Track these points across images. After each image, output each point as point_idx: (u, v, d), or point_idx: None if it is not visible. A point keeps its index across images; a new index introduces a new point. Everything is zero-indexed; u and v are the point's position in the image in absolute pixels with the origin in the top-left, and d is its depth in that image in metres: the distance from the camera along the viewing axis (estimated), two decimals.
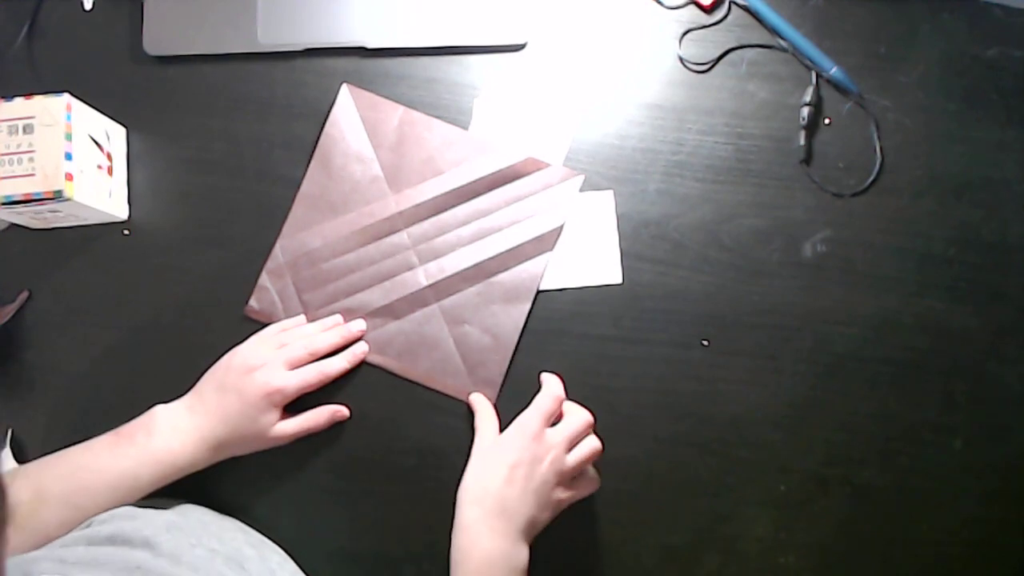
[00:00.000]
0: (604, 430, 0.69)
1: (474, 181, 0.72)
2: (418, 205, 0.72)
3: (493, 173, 0.72)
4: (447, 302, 0.70)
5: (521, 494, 0.61)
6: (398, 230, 0.71)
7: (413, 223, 0.71)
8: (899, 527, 0.69)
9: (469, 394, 0.69)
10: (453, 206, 0.72)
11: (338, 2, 0.75)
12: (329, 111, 0.73)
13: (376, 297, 0.71)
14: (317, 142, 0.73)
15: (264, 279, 0.71)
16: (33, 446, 0.71)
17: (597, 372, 0.70)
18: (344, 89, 0.73)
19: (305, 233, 0.72)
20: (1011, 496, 0.69)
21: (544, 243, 0.71)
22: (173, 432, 0.63)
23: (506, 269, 0.71)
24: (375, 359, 0.70)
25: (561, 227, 0.71)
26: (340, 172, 0.72)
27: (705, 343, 0.70)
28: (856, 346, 0.70)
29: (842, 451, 0.69)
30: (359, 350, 0.70)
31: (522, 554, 0.61)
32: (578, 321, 0.71)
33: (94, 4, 0.76)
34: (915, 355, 0.70)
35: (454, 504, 0.68)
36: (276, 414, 0.65)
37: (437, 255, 0.71)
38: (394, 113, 0.73)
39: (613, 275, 0.71)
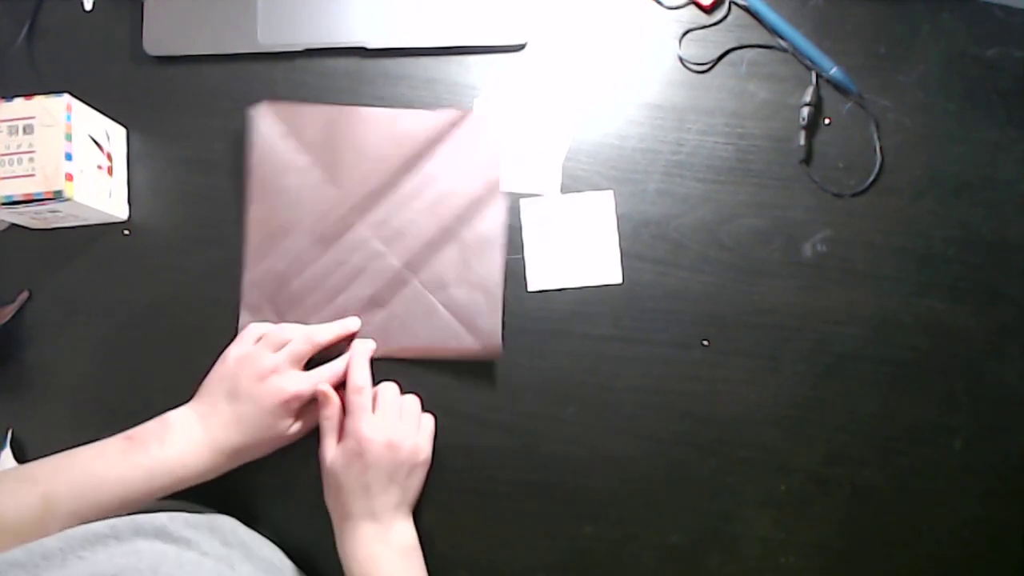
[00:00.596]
0: (604, 430, 0.70)
1: (412, 154, 0.72)
2: (367, 194, 0.71)
3: (428, 139, 0.72)
4: (423, 274, 0.71)
5: (353, 492, 0.63)
6: (355, 223, 0.71)
7: (367, 212, 0.71)
8: (899, 527, 0.69)
9: (471, 350, 0.69)
10: (400, 182, 0.72)
11: (338, 2, 0.75)
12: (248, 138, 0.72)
13: (357, 293, 0.71)
14: (246, 172, 0.72)
15: (244, 317, 0.71)
16: (33, 446, 0.71)
17: (597, 372, 0.70)
18: (259, 108, 0.72)
19: (268, 260, 0.71)
20: (1011, 496, 0.69)
21: (493, 185, 0.71)
22: (187, 442, 0.62)
23: (467, 223, 0.71)
24: (378, 352, 0.70)
25: (498, 147, 0.72)
26: (280, 189, 0.71)
27: (705, 343, 0.70)
28: (856, 346, 0.70)
29: (842, 451, 0.69)
30: (366, 348, 0.69)
31: (396, 536, 0.63)
32: (578, 321, 0.71)
33: (94, 4, 0.76)
34: (915, 355, 0.70)
35: (449, 504, 0.68)
36: (292, 418, 0.65)
37: (400, 234, 0.71)
38: (318, 114, 0.72)
39: (613, 275, 0.71)
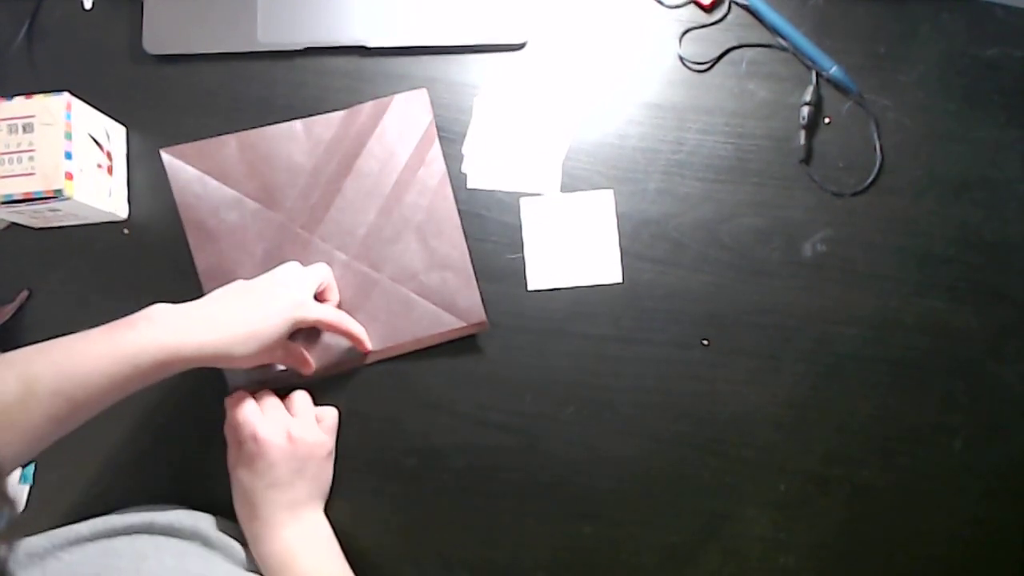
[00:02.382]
0: (604, 430, 0.70)
1: (343, 155, 0.72)
2: (311, 207, 0.71)
3: (355, 137, 0.72)
4: (390, 269, 0.71)
5: (261, 492, 0.63)
6: (309, 239, 0.71)
7: (317, 224, 0.71)
8: (899, 527, 0.69)
9: (458, 329, 0.70)
10: (340, 187, 0.71)
11: (338, 2, 0.75)
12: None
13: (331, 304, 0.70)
14: (182, 223, 0.71)
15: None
16: None
17: (597, 372, 0.70)
18: (166, 157, 0.71)
19: None
20: (1011, 496, 0.69)
21: (432, 165, 0.71)
22: (178, 320, 0.58)
23: (418, 208, 0.71)
24: (371, 358, 0.70)
25: (429, 125, 0.72)
26: (221, 230, 0.71)
27: (705, 343, 0.70)
28: (856, 346, 0.70)
29: (842, 451, 0.69)
30: (367, 345, 0.69)
31: (309, 526, 0.64)
32: (578, 321, 0.71)
33: (94, 4, 0.76)
34: (915, 355, 0.70)
35: (449, 504, 0.68)
36: (289, 328, 0.62)
37: (355, 237, 0.71)
38: (228, 145, 0.72)
39: (613, 275, 0.71)
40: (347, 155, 0.72)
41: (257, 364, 0.62)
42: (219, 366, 0.60)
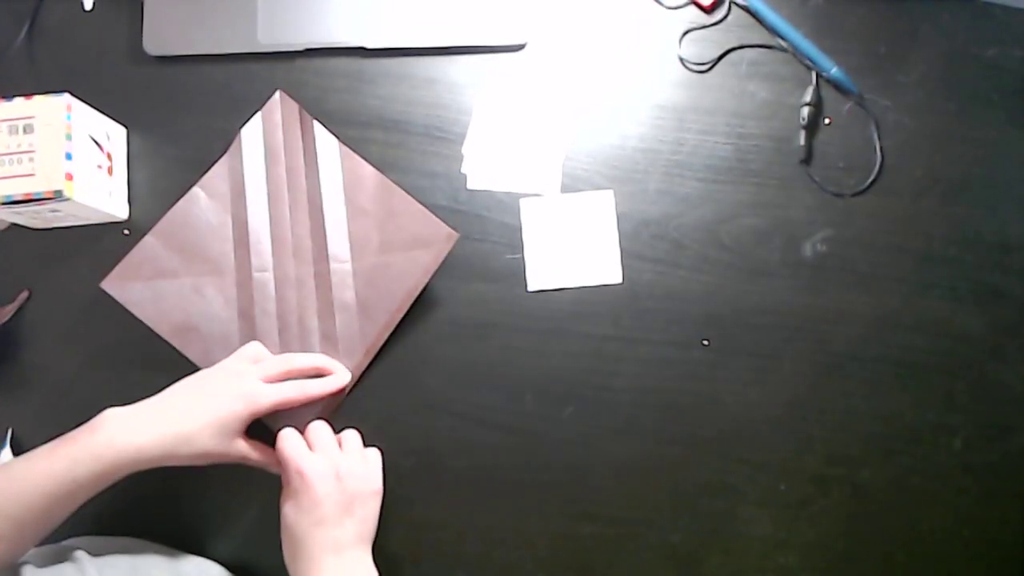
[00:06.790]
0: (604, 430, 0.70)
1: (249, 192, 0.72)
2: (254, 250, 0.71)
3: (248, 168, 0.72)
4: (352, 252, 0.71)
5: (305, 529, 0.60)
6: (270, 277, 0.71)
7: (269, 260, 0.71)
8: (899, 527, 0.69)
9: (436, 255, 0.70)
10: (265, 216, 0.72)
11: (338, 2, 0.75)
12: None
13: (327, 313, 0.70)
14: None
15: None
16: (33, 446, 0.70)
17: (597, 372, 0.70)
18: (109, 288, 0.70)
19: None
20: (1011, 496, 0.69)
21: (326, 144, 0.72)
22: (120, 427, 0.59)
23: (336, 185, 0.72)
24: (385, 334, 0.70)
25: (300, 113, 0.73)
26: (193, 318, 0.70)
27: (705, 343, 0.70)
28: (856, 346, 0.70)
29: (842, 451, 0.69)
30: (342, 380, 0.68)
31: (354, 570, 0.61)
32: (578, 321, 0.71)
33: (94, 4, 0.76)
34: (915, 355, 0.70)
35: (449, 504, 0.68)
36: (245, 418, 0.62)
37: (305, 248, 0.71)
38: (150, 245, 0.71)
39: (613, 275, 0.71)
40: (254, 187, 0.72)
41: (216, 460, 0.62)
42: (171, 464, 0.59)
